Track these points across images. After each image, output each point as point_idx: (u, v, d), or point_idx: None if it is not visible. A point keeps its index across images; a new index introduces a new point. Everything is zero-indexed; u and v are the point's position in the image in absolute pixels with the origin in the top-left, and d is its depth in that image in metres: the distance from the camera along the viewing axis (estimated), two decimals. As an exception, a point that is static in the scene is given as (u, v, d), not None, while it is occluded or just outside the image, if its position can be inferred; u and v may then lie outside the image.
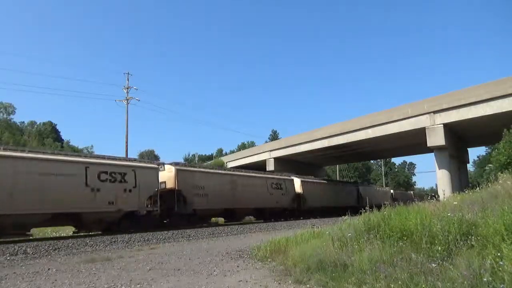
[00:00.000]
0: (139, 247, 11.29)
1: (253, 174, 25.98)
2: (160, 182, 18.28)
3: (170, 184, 18.69)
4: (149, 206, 16.69)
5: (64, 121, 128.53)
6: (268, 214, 25.70)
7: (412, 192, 70.71)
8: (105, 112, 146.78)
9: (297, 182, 29.55)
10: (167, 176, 18.91)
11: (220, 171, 23.49)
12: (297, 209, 28.24)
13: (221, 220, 24.30)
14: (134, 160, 18.50)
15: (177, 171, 18.88)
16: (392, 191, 54.95)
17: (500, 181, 9.96)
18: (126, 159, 18.62)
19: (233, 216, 23.00)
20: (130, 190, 15.98)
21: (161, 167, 18.89)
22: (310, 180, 32.52)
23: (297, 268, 5.89)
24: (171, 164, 19.83)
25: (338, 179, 69.48)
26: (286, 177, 28.83)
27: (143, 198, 16.49)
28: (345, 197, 36.74)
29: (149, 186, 16.83)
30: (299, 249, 6.95)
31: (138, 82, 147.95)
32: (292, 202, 27.67)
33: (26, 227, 13.28)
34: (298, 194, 28.81)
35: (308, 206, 29.55)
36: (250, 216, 26.03)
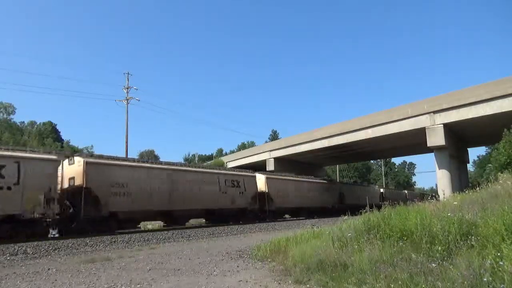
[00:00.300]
0: (139, 247, 11.30)
1: (201, 170, 21.97)
2: (69, 178, 15.65)
3: (79, 181, 15.35)
4: (44, 208, 13.42)
5: (64, 121, 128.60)
6: (224, 217, 21.95)
7: (405, 191, 65.03)
8: (105, 112, 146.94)
9: (261, 179, 25.72)
10: (75, 170, 15.57)
11: (150, 165, 18.83)
12: (261, 210, 24.64)
13: (157, 224, 21.16)
14: (21, 149, 14.75)
15: (87, 164, 15.38)
16: (382, 190, 51.37)
17: (500, 181, 9.97)
18: (7, 148, 14.61)
19: (172, 219, 19.38)
20: (9, 188, 12.57)
21: (70, 159, 15.85)
22: (277, 177, 28.89)
23: (297, 268, 5.88)
24: (81, 155, 16.65)
25: (338, 179, 69.22)
26: (245, 173, 24.94)
27: (31, 197, 13.08)
28: (324, 197, 33.14)
29: (41, 183, 13.39)
30: (299, 249, 6.94)
31: (138, 82, 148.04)
32: (253, 202, 23.82)
33: None
34: (262, 193, 25.09)
35: (276, 207, 26.08)
36: (200, 219, 22.82)
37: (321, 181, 35.46)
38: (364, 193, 41.34)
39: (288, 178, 30.30)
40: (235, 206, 22.45)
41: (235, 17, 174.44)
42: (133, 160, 19.74)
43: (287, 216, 30.17)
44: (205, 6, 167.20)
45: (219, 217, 21.86)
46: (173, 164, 21.47)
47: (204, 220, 22.96)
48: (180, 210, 19.03)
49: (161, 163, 20.76)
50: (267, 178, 26.29)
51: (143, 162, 19.92)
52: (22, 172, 13.00)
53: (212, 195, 20.86)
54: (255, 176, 25.25)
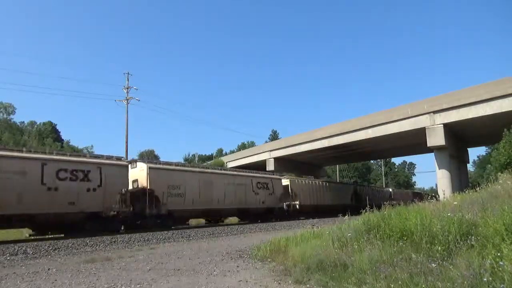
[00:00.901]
0: (139, 247, 11.29)
1: (15, 154, 13.87)
2: None
3: None
4: None
5: (64, 121, 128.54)
6: (63, 224, 15.12)
7: (390, 190, 52.91)
8: (105, 112, 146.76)
9: (141, 170, 18.08)
10: None
11: None
12: (140, 215, 17.72)
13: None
14: None
15: None
16: (356, 188, 40.72)
17: (500, 181, 9.96)
18: None
19: None
20: None
21: None
22: (170, 167, 20.17)
23: (297, 268, 5.88)
24: None
25: (338, 179, 68.93)
26: (105, 161, 16.62)
27: None
28: (260, 196, 24.47)
29: None
30: (299, 249, 6.95)
31: (138, 82, 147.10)
32: (121, 203, 16.42)
33: None
34: (143, 190, 17.82)
35: (167, 210, 18.48)
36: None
37: (256, 174, 25.55)
38: (328, 191, 33.33)
39: (191, 169, 21.47)
40: (79, 209, 15.05)
41: (235, 17, 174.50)
42: None
43: (192, 222, 22.90)
44: (205, 6, 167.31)
45: (53, 225, 15.03)
46: None
47: (30, 232, 15.39)
48: None
49: None
50: (150, 168, 18.14)
51: None
52: None
53: (30, 192, 13.62)
54: (126, 166, 17.46)
